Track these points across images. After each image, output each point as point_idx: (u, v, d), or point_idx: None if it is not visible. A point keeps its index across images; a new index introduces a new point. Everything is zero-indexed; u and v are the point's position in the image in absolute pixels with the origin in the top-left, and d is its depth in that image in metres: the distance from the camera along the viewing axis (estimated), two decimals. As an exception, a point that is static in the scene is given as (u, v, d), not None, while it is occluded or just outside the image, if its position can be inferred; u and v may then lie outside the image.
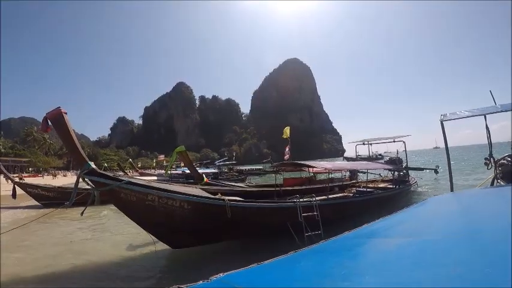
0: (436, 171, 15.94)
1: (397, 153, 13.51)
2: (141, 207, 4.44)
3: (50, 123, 3.88)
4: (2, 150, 63.13)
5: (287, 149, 14.05)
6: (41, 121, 3.88)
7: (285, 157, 13.99)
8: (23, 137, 79.81)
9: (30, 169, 59.09)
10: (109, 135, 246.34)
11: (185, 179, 15.77)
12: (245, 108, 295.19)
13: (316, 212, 5.52)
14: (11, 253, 5.36)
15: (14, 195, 11.67)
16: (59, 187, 14.34)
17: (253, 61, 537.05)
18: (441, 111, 6.07)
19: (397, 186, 10.50)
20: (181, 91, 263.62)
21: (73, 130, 4.08)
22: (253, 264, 1.64)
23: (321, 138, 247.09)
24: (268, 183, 13.16)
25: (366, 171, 11.90)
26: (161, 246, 5.09)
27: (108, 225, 8.22)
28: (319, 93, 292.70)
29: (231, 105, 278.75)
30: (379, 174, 14.63)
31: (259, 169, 40.07)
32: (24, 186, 13.16)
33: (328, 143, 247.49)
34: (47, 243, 6.24)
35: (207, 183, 8.59)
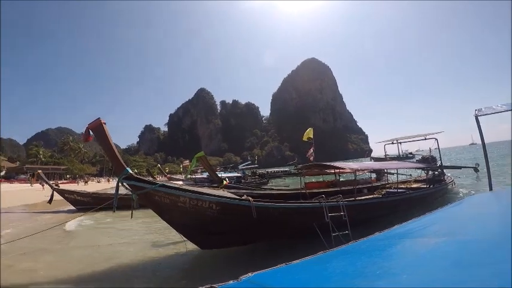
0: (476, 170, 14.86)
1: (430, 152, 12.81)
2: (173, 209, 4.68)
3: (91, 133, 4.21)
4: (43, 159, 68.35)
5: (311, 150, 13.88)
6: (84, 131, 4.24)
7: (310, 158, 13.83)
8: (61, 146, 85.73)
9: (67, 176, 63.14)
10: (137, 142, 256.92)
11: (210, 183, 16.11)
12: (265, 111, 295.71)
13: (343, 212, 5.44)
14: (40, 256, 5.59)
15: (50, 200, 12.68)
16: (92, 193, 15.18)
17: (270, 63, 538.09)
18: (476, 106, 5.70)
19: (431, 186, 9.96)
20: (202, 97, 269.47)
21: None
22: (281, 264, 1.65)
23: (346, 138, 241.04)
24: (290, 188, 13.06)
25: (396, 171, 11.40)
26: (191, 246, 5.25)
27: (138, 228, 8.53)
28: (340, 92, 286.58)
29: (250, 109, 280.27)
30: (410, 174, 13.96)
31: (286, 171, 39.95)
32: (62, 193, 14.02)
33: (354, 143, 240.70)
34: (78, 246, 6.52)
35: (226, 186, 8.73)
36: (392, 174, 12.57)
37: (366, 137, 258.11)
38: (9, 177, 52.83)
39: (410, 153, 29.83)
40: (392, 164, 10.80)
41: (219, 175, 23.03)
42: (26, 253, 5.58)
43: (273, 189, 12.97)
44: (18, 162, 72.13)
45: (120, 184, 4.51)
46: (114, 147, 4.43)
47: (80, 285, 3.92)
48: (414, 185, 11.37)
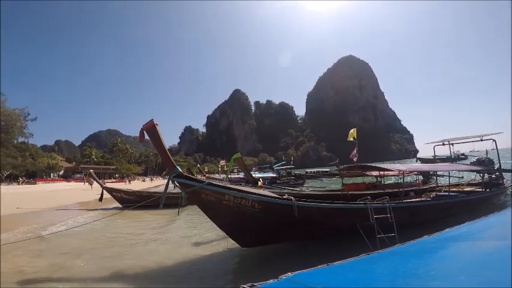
0: None
1: (487, 153, 11.53)
2: (218, 207, 4.85)
3: (145, 134, 4.51)
4: (95, 159, 75.27)
5: (354, 151, 13.48)
6: (139, 133, 4.56)
7: (354, 159, 13.44)
8: (110, 147, 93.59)
9: (116, 175, 68.71)
10: (178, 143, 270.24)
11: (246, 183, 16.29)
12: (299, 110, 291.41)
13: (390, 214, 5.26)
14: (81, 253, 5.90)
15: (100, 198, 13.78)
16: (137, 191, 16.17)
17: (305, 62, 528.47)
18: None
19: (487, 190, 8.99)
20: (237, 98, 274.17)
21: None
22: (322, 264, 1.62)
23: (388, 138, 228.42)
24: (328, 189, 12.72)
25: (447, 173, 10.49)
26: (232, 244, 5.38)
27: (179, 225, 8.90)
28: (382, 90, 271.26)
29: (285, 109, 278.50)
30: (462, 176, 12.77)
31: (326, 171, 38.98)
32: (110, 191, 15.10)
33: (397, 143, 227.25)
34: (118, 244, 6.83)
35: (261, 187, 8.78)
36: (442, 176, 11.60)
37: (411, 136, 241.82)
38: (67, 176, 59.10)
39: (463, 154, 27.24)
40: (444, 166, 9.90)
41: (255, 175, 23.32)
42: (68, 252, 5.98)
43: (303, 191, 12.73)
44: (74, 162, 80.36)
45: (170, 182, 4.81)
46: (165, 147, 4.73)
47: (120, 283, 4.11)
48: (467, 189, 10.36)
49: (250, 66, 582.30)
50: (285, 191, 9.75)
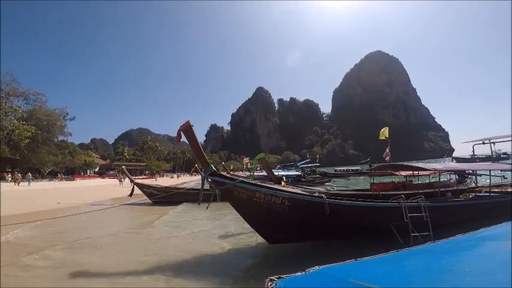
0: None
1: None
2: (249, 204, 5.00)
3: (182, 134, 4.73)
4: (127, 157, 79.29)
5: (387, 150, 13.08)
6: (176, 133, 4.79)
7: (386, 159, 13.07)
8: (141, 145, 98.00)
9: (146, 172, 71.91)
10: (204, 141, 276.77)
11: (268, 180, 16.28)
12: (325, 107, 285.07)
13: (425, 213, 5.18)
14: (112, 247, 6.20)
15: (131, 194, 14.47)
16: (165, 187, 16.79)
17: (330, 59, 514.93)
18: None
19: None
20: (261, 96, 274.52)
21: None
22: (351, 259, 1.62)
23: (421, 135, 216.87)
24: (356, 188, 12.39)
25: (487, 173, 9.81)
26: (260, 240, 5.47)
27: (207, 220, 9.06)
28: (414, 86, 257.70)
29: (309, 106, 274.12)
30: (503, 176, 11.85)
31: (356, 170, 37.96)
32: (141, 187, 15.80)
33: (431, 141, 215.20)
34: (150, 238, 7.05)
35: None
36: (480, 175, 10.85)
37: (446, 134, 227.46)
38: (101, 172, 62.84)
39: (505, 153, 25.29)
40: (484, 165, 9.26)
41: (278, 173, 23.22)
42: (99, 246, 6.31)
43: (328, 190, 12.49)
44: (108, 159, 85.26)
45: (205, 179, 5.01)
46: (200, 146, 4.95)
47: (151, 275, 4.29)
48: (510, 189, 9.56)
49: (273, 64, 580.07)
50: (308, 189, 9.66)
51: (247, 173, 27.93)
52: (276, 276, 1.34)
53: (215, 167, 5.03)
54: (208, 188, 6.48)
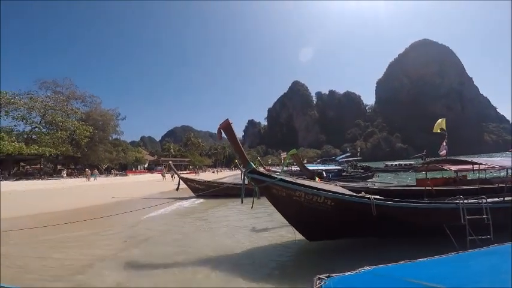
0: None
1: None
2: (288, 202, 4.95)
3: (222, 132, 4.84)
4: (173, 153, 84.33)
5: (444, 144, 12.04)
6: (217, 131, 4.92)
7: (441, 153, 12.06)
8: (185, 142, 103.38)
9: (190, 167, 75.69)
10: (243, 136, 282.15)
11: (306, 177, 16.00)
12: (367, 99, 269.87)
13: (487, 215, 4.66)
14: (151, 241, 6.46)
15: (177, 188, 15.28)
16: (208, 181, 17.43)
17: (370, 49, 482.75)
18: None
19: None
20: (297, 90, 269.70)
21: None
22: (404, 260, 1.55)
23: (481, 128, 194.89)
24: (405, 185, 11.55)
25: None
26: (299, 237, 5.40)
27: (248, 216, 9.09)
28: (470, 76, 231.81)
29: (351, 98, 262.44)
30: None
31: (410, 165, 35.56)
32: (186, 181, 16.57)
33: (493, 133, 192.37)
34: (189, 231, 7.34)
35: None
36: None
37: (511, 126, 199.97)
38: (150, 168, 67.58)
39: None
40: None
41: (317, 168, 22.65)
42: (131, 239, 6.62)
43: (368, 186, 11.78)
44: (156, 155, 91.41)
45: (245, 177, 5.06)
46: (239, 143, 5.01)
47: (192, 268, 4.42)
48: None
49: (309, 57, 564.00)
50: (349, 185, 9.25)
51: (285, 168, 27.81)
52: (325, 275, 1.32)
53: (252, 162, 5.03)
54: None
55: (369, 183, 13.99)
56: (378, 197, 5.15)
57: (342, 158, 39.23)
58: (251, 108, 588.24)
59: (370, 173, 28.32)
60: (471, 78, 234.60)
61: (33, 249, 5.66)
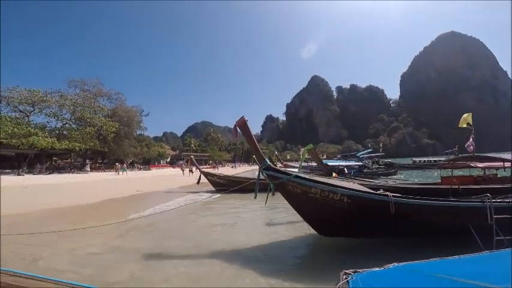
0: None
1: None
2: (304, 199, 4.90)
3: (238, 129, 4.91)
4: (193, 148, 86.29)
5: (471, 140, 11.45)
6: (233, 129, 4.99)
7: (469, 149, 11.49)
8: (205, 137, 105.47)
9: (210, 162, 77.10)
10: (261, 131, 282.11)
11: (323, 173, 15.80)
12: (391, 94, 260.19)
13: None
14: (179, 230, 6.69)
15: (198, 181, 15.65)
16: (228, 176, 17.63)
17: (392, 42, 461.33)
18: None
19: None
20: (316, 84, 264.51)
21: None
22: (434, 258, 1.52)
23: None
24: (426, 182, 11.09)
25: None
26: (314, 233, 5.34)
27: (263, 211, 9.11)
28: (504, 69, 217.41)
29: (373, 93, 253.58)
30: None
31: (438, 161, 34.04)
32: (206, 175, 16.89)
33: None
34: (207, 224, 7.46)
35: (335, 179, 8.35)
36: None
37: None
38: (172, 162, 69.58)
39: None
40: None
41: (338, 164, 22.23)
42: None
43: (387, 183, 11.38)
44: (177, 150, 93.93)
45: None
46: (255, 140, 5.02)
47: (205, 262, 4.48)
48: None
49: (329, 52, 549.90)
50: (367, 182, 9.03)
51: (304, 164, 27.57)
52: (352, 270, 1.30)
53: (270, 158, 5.03)
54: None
55: (390, 181, 13.52)
56: (397, 194, 5.00)
57: (363, 154, 38.15)
58: (269, 104, 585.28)
59: (392, 170, 27.35)
60: (505, 72, 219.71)
61: (46, 239, 5.68)
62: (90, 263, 4.47)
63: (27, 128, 31.58)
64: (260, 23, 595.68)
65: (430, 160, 39.04)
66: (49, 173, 29.73)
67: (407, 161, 43.65)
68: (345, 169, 17.60)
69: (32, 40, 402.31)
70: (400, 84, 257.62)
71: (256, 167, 5.28)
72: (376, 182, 10.01)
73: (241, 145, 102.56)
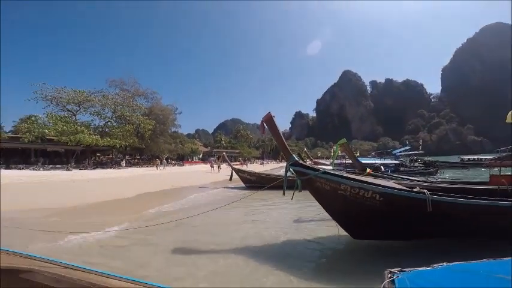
0: None
1: None
2: (333, 196, 4.70)
3: (265, 125, 4.85)
4: (224, 144, 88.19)
5: None
6: (260, 125, 4.94)
7: None
8: (234, 134, 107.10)
9: (240, 158, 78.27)
10: (289, 128, 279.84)
11: (344, 169, 15.21)
12: (430, 88, 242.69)
13: None
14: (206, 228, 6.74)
15: (230, 178, 15.96)
16: (258, 173, 17.69)
17: (430, 33, 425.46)
18: None
19: None
20: (348, 79, 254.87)
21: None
22: (488, 258, 1.42)
23: None
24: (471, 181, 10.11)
25: None
26: (343, 233, 5.12)
27: (292, 209, 9.01)
28: None
29: (411, 87, 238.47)
30: None
31: (485, 160, 31.43)
32: (237, 171, 17.08)
33: None
34: (234, 222, 7.43)
35: (369, 174, 7.93)
36: None
37: None
38: (204, 159, 71.76)
39: None
40: None
41: (374, 162, 21.22)
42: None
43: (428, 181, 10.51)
44: (209, 147, 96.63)
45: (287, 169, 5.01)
46: (282, 136, 4.94)
47: (229, 259, 4.45)
48: None
49: (360, 46, 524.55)
50: (405, 180, 8.47)
51: (337, 161, 26.72)
52: (397, 269, 1.25)
53: (299, 155, 4.91)
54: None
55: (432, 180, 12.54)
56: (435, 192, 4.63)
57: (400, 152, 35.93)
58: (298, 100, 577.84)
59: (433, 169, 25.43)
60: None
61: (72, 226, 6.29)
62: (118, 256, 4.60)
63: (74, 126, 34.51)
64: (288, 18, 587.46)
65: (480, 158, 35.76)
66: (93, 168, 32.29)
67: (451, 159, 40.45)
68: (382, 167, 16.71)
69: (80, 40, 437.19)
70: (441, 78, 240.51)
71: (284, 164, 5.17)
72: (415, 179, 9.25)
73: (270, 142, 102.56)
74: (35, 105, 37.20)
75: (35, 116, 37.16)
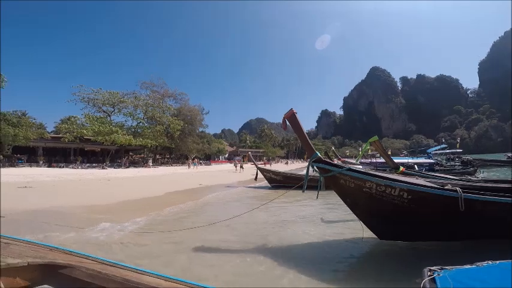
0: None
1: None
2: (357, 194, 4.54)
3: (287, 122, 4.79)
4: (249, 144, 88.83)
5: None
6: (282, 121, 4.88)
7: None
8: (259, 133, 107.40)
9: (264, 158, 78.35)
10: (316, 127, 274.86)
11: (392, 168, 14.49)
12: (466, 83, 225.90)
13: None
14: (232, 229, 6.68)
15: (255, 177, 16.04)
16: (283, 172, 17.42)
17: (462, 30, 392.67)
18: None
19: None
20: (377, 76, 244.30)
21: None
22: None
23: None
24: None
25: None
26: (368, 234, 4.93)
27: (316, 208, 8.86)
28: None
29: (446, 82, 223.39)
30: None
31: None
32: (262, 171, 17.04)
33: None
34: (262, 221, 7.29)
35: (402, 173, 7.53)
36: None
37: None
38: (230, 158, 72.81)
39: None
40: None
41: (407, 161, 20.21)
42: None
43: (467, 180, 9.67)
44: (234, 146, 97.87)
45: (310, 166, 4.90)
46: (305, 133, 4.82)
47: (254, 260, 4.38)
48: None
49: (391, 41, 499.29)
50: (441, 180, 7.93)
51: (367, 160, 25.80)
52: (438, 267, 1.22)
53: (326, 153, 4.80)
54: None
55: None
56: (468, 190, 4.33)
57: (435, 150, 33.70)
58: (323, 99, 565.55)
59: (471, 168, 23.61)
60: None
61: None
62: (142, 254, 4.60)
63: (109, 126, 36.65)
64: (311, 18, 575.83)
65: None
66: (126, 167, 34.12)
67: (493, 157, 37.16)
68: (415, 166, 15.83)
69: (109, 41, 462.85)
70: (478, 72, 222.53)
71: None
72: (450, 177, 8.55)
73: (295, 141, 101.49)
74: (73, 106, 40.17)
75: (74, 117, 40.08)
